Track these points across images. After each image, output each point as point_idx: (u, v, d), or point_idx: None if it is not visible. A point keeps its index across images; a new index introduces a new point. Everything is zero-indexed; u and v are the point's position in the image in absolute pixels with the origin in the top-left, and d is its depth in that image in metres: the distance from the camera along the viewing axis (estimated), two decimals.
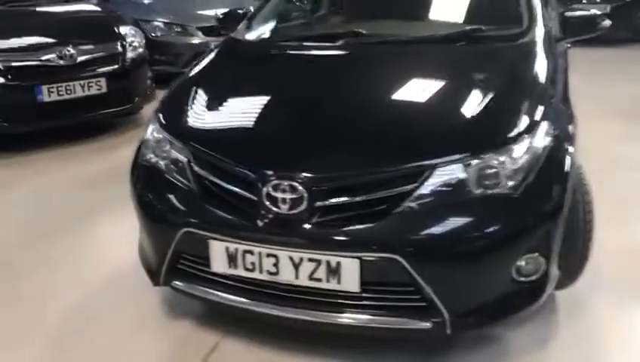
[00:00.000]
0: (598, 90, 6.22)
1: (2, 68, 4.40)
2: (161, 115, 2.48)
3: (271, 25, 3.24)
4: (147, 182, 2.36)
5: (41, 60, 4.52)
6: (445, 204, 2.00)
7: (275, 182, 2.02)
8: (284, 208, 2.02)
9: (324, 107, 2.32)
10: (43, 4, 5.28)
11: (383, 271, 1.98)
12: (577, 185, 2.31)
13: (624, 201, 3.58)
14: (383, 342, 2.28)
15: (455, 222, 2.00)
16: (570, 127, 2.37)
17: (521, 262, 2.08)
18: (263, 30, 3.19)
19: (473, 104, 2.21)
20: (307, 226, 2.00)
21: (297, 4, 3.41)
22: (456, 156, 2.03)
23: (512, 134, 2.11)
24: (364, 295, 2.02)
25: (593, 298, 2.61)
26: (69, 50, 4.59)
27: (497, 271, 2.06)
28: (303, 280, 2.03)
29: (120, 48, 4.95)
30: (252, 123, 2.30)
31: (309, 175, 2.01)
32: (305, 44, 2.95)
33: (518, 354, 2.30)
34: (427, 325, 2.02)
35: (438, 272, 1.99)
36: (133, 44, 5.09)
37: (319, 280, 2.02)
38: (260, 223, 2.04)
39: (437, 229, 1.99)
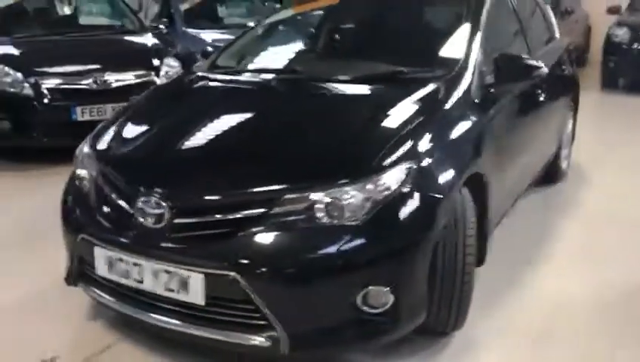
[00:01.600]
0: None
1: (47, 89, 5.03)
2: (93, 134, 2.81)
3: (225, 59, 3.50)
4: (68, 191, 2.68)
5: (79, 84, 5.10)
6: (289, 230, 2.14)
7: (144, 198, 2.26)
8: (150, 222, 2.25)
9: (207, 135, 2.54)
10: (98, 34, 5.96)
11: (224, 288, 2.14)
12: (454, 241, 2.37)
13: None
14: None
15: (295, 247, 2.14)
16: (448, 177, 2.38)
17: (366, 293, 2.15)
18: (215, 63, 3.46)
19: (337, 141, 2.36)
20: (166, 240, 2.22)
21: (268, 40, 3.66)
22: (305, 187, 2.17)
23: (363, 171, 2.21)
24: (208, 308, 2.19)
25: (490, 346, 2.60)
26: (103, 77, 5.14)
27: (336, 297, 2.15)
28: (161, 290, 2.24)
29: (153, 77, 5.45)
30: (146, 145, 2.57)
31: (169, 194, 2.23)
32: (236, 78, 3.21)
33: None
34: (265, 342, 2.15)
35: (275, 293, 2.12)
36: (169, 74, 5.58)
37: (173, 291, 2.22)
38: (130, 234, 2.29)
39: (276, 253, 2.13)
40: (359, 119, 2.56)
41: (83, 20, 6.43)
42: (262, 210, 2.15)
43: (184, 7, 8.41)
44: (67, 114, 5.03)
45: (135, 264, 2.27)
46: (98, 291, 2.48)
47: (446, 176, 2.38)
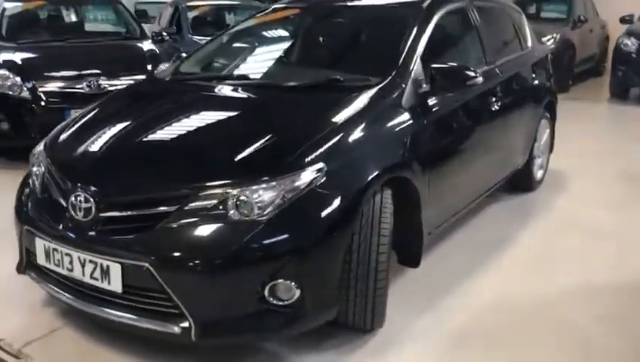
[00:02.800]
0: None
1: (43, 93, 5.31)
2: (50, 135, 3.03)
3: (189, 65, 3.69)
4: (22, 187, 2.89)
5: (73, 88, 5.37)
6: (200, 225, 2.29)
7: (76, 192, 2.45)
8: (79, 215, 2.44)
9: (139, 136, 2.72)
10: (100, 41, 6.26)
11: (139, 277, 2.31)
12: (368, 240, 2.49)
13: None
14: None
15: (204, 241, 2.29)
16: (361, 179, 2.50)
17: (273, 286, 2.30)
18: (175, 69, 3.66)
19: (257, 142, 2.49)
20: (91, 232, 2.41)
21: (229, 48, 3.84)
22: (217, 185, 2.33)
23: (274, 170, 2.36)
24: (125, 296, 2.36)
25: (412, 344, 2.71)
26: (97, 81, 5.40)
27: (243, 289, 2.30)
28: (88, 278, 2.42)
29: None
30: (86, 146, 2.75)
31: (96, 190, 2.43)
32: (188, 83, 3.41)
33: None
34: (176, 330, 2.31)
35: (184, 284, 2.29)
36: None
37: (97, 279, 2.40)
38: (63, 226, 2.48)
39: (186, 246, 2.29)
40: (285, 122, 2.71)
41: (88, 27, 6.73)
42: (176, 206, 2.32)
43: (193, 14, 8.71)
44: (61, 116, 5.27)
45: (67, 254, 2.46)
46: (42, 279, 2.68)
47: (360, 178, 2.51)
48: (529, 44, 4.62)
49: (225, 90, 3.20)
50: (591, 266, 3.52)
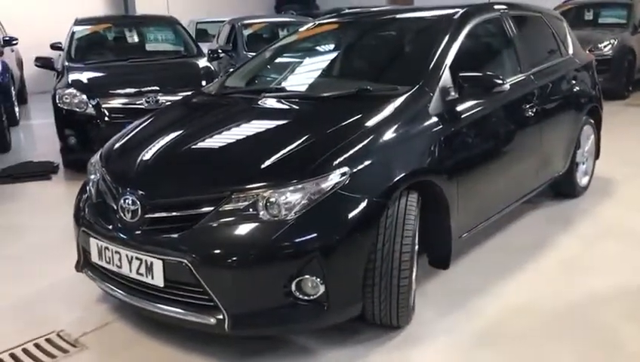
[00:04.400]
0: None
1: (106, 109, 5.71)
2: (106, 145, 3.32)
3: (234, 80, 3.93)
4: (80, 193, 3.19)
5: (134, 104, 5.75)
6: (233, 225, 2.50)
7: (125, 196, 2.71)
8: (127, 217, 2.69)
9: (183, 145, 2.97)
10: (159, 59, 6.67)
11: (178, 272, 2.54)
12: (392, 242, 2.63)
13: None
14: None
15: (235, 239, 2.49)
16: (385, 183, 2.65)
17: (299, 281, 2.48)
18: (221, 83, 3.90)
19: (284, 148, 2.69)
20: (137, 232, 2.66)
21: (270, 63, 4.07)
22: (249, 188, 2.53)
23: (301, 174, 2.54)
24: (167, 290, 2.59)
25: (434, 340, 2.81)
26: (156, 97, 5.75)
27: (272, 284, 2.49)
28: (134, 274, 2.67)
29: None
30: (135, 154, 3.01)
31: (143, 193, 2.68)
32: (232, 96, 3.64)
33: None
34: (212, 321, 2.51)
35: (219, 279, 2.50)
36: None
37: (142, 274, 2.64)
38: (113, 227, 2.75)
39: (220, 243, 2.50)
40: (315, 130, 2.88)
41: (149, 47, 7.16)
42: (212, 208, 2.53)
43: (248, 32, 9.07)
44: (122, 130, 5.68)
45: (116, 252, 2.72)
46: (96, 277, 2.95)
47: (384, 181, 2.66)
48: (570, 51, 4.63)
49: (264, 102, 3.42)
50: (628, 271, 3.51)
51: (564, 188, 4.61)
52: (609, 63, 8.85)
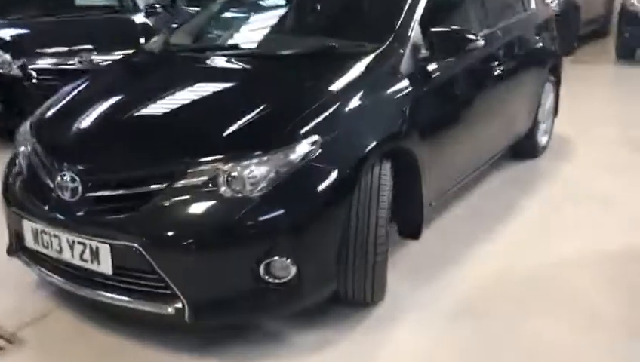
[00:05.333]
0: None
1: (34, 70, 5.18)
2: (36, 112, 2.92)
3: (179, 37, 3.56)
4: (8, 167, 2.80)
5: (65, 65, 5.23)
6: (191, 203, 2.20)
7: (62, 172, 2.36)
8: (66, 195, 2.35)
9: (126, 112, 2.61)
10: (91, 14, 6.11)
11: (128, 258, 2.23)
12: (366, 214, 2.41)
13: None
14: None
15: (193, 218, 2.20)
16: (358, 152, 2.40)
17: (268, 263, 2.22)
18: (165, 41, 3.52)
19: (245, 115, 2.38)
20: (79, 213, 2.32)
21: (221, 18, 3.71)
22: (207, 161, 2.23)
23: (268, 144, 2.26)
24: (116, 277, 2.29)
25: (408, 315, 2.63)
26: (90, 57, 5.26)
27: (237, 268, 2.22)
28: (77, 260, 2.35)
29: None
30: (71, 123, 2.64)
31: (82, 169, 2.33)
32: (176, 55, 3.28)
33: (293, 354, 2.40)
34: (169, 311, 2.24)
35: (175, 263, 2.21)
36: None
37: (87, 261, 2.32)
38: (50, 207, 2.40)
39: (176, 224, 2.20)
40: (277, 94, 2.59)
41: (79, 1, 6.57)
42: (165, 184, 2.22)
43: None
44: (53, 92, 5.18)
45: (55, 236, 2.38)
46: (32, 262, 2.60)
47: (357, 150, 2.41)
48: (532, 5, 4.46)
49: (216, 61, 3.09)
50: (596, 234, 3.43)
51: (526, 148, 4.49)
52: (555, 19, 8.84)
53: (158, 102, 2.66)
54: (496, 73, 3.57)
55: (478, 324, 2.58)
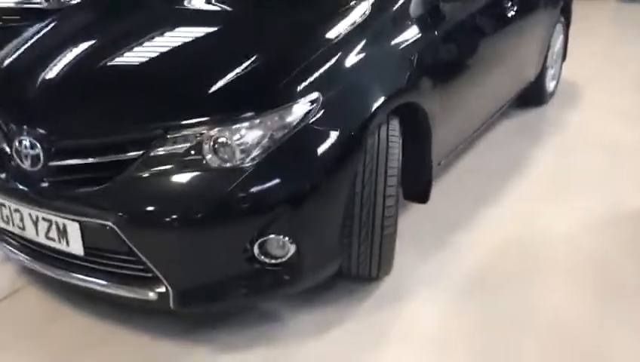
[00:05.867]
0: None
1: None
2: None
3: None
4: None
5: (28, 2, 4.71)
6: (172, 174, 1.88)
7: (21, 137, 2.02)
8: (26, 164, 2.02)
9: (95, 64, 2.23)
10: None
11: (102, 238, 1.93)
12: (373, 180, 2.12)
13: None
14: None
15: (174, 192, 1.87)
16: (364, 110, 2.07)
17: (263, 242, 1.93)
18: None
19: (231, 68, 2.02)
20: (42, 185, 1.99)
21: None
22: (188, 124, 1.89)
23: (259, 104, 1.91)
24: (89, 258, 1.99)
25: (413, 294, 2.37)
26: None
27: (228, 248, 1.92)
28: (42, 239, 2.04)
29: None
30: (35, 76, 2.26)
31: (44, 132, 1.99)
32: None
33: (291, 336, 2.14)
34: (152, 296, 1.95)
35: (155, 243, 1.90)
36: None
37: (53, 239, 2.01)
38: (9, 178, 2.07)
39: (154, 199, 1.88)
40: (269, 42, 2.23)
41: None
42: (141, 151, 1.89)
43: None
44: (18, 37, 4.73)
45: (15, 210, 2.05)
46: None
47: (362, 109, 2.08)
48: None
49: (197, 2, 2.70)
50: (613, 189, 3.18)
51: (533, 95, 4.19)
52: None
53: (130, 52, 2.27)
54: (509, 14, 3.22)
55: (491, 299, 2.33)
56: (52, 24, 2.75)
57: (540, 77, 4.09)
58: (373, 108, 2.10)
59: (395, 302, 2.32)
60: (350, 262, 2.21)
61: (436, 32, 2.53)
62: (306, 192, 1.93)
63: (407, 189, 2.67)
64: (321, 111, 1.96)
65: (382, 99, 2.13)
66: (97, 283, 2.01)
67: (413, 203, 2.73)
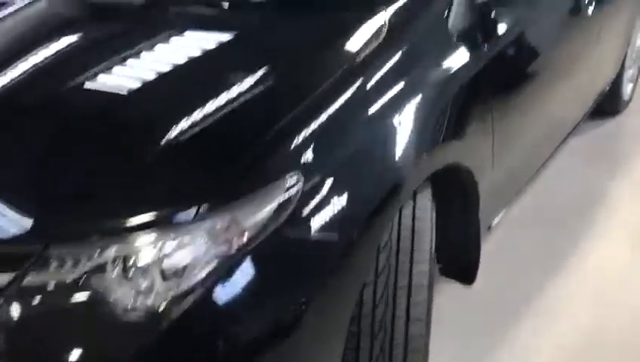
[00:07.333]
0: None
1: None
2: None
3: None
4: None
5: None
6: (57, 314, 1.14)
7: None
8: None
9: None
10: None
11: None
12: (392, 290, 1.39)
13: None
14: None
15: (62, 345, 1.15)
16: (378, 192, 1.32)
17: None
18: None
19: (160, 137, 1.26)
20: None
21: None
22: (82, 234, 1.16)
23: (201, 197, 1.18)
24: None
25: None
26: None
27: None
28: None
29: None
30: None
31: None
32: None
33: None
34: None
35: None
36: None
37: None
38: None
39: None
40: (225, 90, 1.41)
41: None
42: (9, 275, 1.18)
43: None
44: None
45: None
46: None
47: (373, 190, 1.31)
48: None
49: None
50: None
51: (605, 102, 3.32)
52: None
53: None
54: (587, 12, 2.38)
55: None
56: None
57: (616, 80, 3.23)
58: (391, 186, 1.35)
59: None
60: None
61: (488, 50, 1.74)
62: (282, 332, 1.19)
63: (444, 264, 1.92)
64: (306, 201, 1.22)
65: (404, 172, 1.38)
66: None
67: (455, 281, 1.99)
